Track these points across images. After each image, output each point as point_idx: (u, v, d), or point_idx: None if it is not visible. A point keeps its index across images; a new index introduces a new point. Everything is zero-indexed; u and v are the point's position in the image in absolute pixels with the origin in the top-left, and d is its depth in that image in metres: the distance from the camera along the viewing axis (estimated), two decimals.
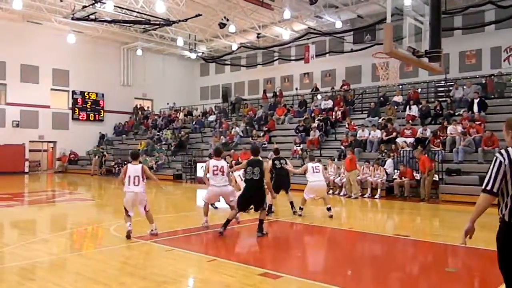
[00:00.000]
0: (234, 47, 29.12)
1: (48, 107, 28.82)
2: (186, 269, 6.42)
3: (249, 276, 6.02)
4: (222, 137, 24.03)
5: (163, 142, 27.07)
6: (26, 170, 27.51)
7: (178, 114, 30.77)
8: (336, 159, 17.43)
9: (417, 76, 22.79)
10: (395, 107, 20.23)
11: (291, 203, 11.23)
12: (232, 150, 20.95)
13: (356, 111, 22.51)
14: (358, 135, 18.59)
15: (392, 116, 19.05)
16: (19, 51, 26.85)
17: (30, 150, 28.10)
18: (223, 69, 34.06)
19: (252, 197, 8.36)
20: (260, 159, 8.71)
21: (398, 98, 20.89)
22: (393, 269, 6.75)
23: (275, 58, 29.53)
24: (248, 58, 32.01)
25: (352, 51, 25.23)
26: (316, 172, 10.66)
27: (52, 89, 29.09)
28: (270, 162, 11.07)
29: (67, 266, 6.66)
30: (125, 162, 24.38)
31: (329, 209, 10.73)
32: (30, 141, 27.87)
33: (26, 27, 26.67)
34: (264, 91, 29.49)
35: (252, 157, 8.65)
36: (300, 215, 10.87)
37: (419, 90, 21.01)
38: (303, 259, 7.51)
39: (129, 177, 8.12)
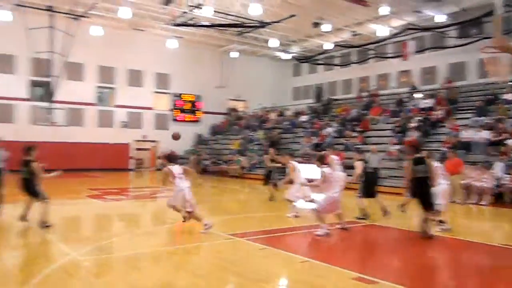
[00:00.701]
0: (328, 46, 28.72)
1: (151, 108, 30.84)
2: (279, 269, 6.40)
3: (343, 280, 5.86)
4: (313, 137, 23.82)
5: (256, 142, 27.55)
6: (131, 167, 29.67)
7: (270, 114, 31.12)
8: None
9: None
10: (506, 105, 18.49)
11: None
12: (323, 151, 20.63)
13: (460, 110, 20.96)
14: (462, 136, 17.29)
15: (503, 116, 17.42)
16: (126, 57, 29.08)
17: (135, 149, 30.27)
18: (316, 69, 33.78)
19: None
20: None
21: (509, 96, 19.06)
22: (498, 282, 6.12)
23: (371, 56, 28.58)
24: (342, 57, 31.39)
25: (455, 46, 23.56)
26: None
27: (154, 92, 31.08)
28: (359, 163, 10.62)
29: (168, 258, 7.00)
30: (219, 162, 25.40)
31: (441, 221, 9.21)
32: (135, 141, 30.03)
33: (132, 35, 28.78)
34: (359, 90, 28.68)
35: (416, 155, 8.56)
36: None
37: None
38: (400, 265, 7.13)
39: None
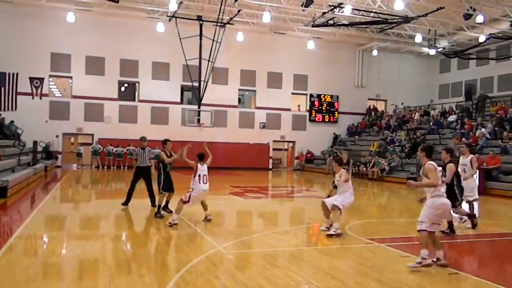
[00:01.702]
0: (482, 39, 25.97)
1: (289, 110, 31.47)
2: (423, 278, 5.91)
3: None
4: (464, 139, 21.72)
5: (397, 144, 26.19)
6: (270, 166, 30.64)
7: (413, 114, 29.32)
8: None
9: None
10: None
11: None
12: (477, 154, 18.67)
13: None
14: None
15: None
16: (266, 60, 30.16)
17: (273, 149, 31.21)
18: (467, 64, 30.82)
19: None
20: None
21: None
22: None
23: None
24: (498, 50, 28.10)
25: None
26: None
27: (292, 93, 31.64)
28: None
29: (305, 258, 6.98)
30: (357, 163, 24.71)
31: None
32: (273, 141, 30.95)
33: (272, 38, 29.74)
34: None
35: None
36: None
37: None
38: None
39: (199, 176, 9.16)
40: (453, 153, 9.44)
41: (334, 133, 32.15)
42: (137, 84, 28.55)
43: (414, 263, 6.10)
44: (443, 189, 6.35)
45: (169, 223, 8.99)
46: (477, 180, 10.39)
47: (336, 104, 32.42)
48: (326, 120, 32.32)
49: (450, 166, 8.52)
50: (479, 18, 22.93)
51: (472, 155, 10.27)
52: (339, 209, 8.21)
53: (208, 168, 9.54)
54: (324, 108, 32.24)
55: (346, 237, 8.12)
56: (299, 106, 31.98)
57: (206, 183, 9.35)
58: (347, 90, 32.34)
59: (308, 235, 9.23)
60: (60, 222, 9.58)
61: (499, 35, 25.45)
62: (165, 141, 10.50)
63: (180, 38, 23.75)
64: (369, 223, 9.98)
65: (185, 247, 7.44)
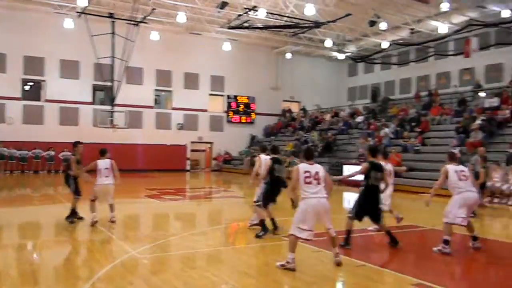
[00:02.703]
0: (385, 45, 27.95)
1: (206, 110, 31.42)
2: (334, 272, 6.25)
3: (401, 285, 5.63)
4: (370, 138, 23.22)
5: (310, 144, 27.27)
6: (187, 168, 30.36)
7: (324, 115, 30.74)
8: (503, 164, 15.44)
9: None
10: None
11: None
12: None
13: None
14: None
15: None
16: (183, 60, 29.83)
17: (190, 150, 30.97)
18: (372, 68, 32.99)
19: (375, 206, 7.52)
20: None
21: None
22: None
23: (430, 54, 27.45)
24: (399, 55, 30.41)
25: None
26: (463, 179, 7.46)
27: (210, 94, 31.63)
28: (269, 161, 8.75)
29: (223, 258, 7.04)
30: None
31: (475, 238, 7.71)
32: (191, 142, 30.71)
33: (188, 39, 29.48)
34: (417, 90, 27.70)
35: (372, 160, 7.64)
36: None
37: None
38: (462, 272, 6.75)
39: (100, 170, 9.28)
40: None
41: (251, 134, 32.67)
42: (43, 83, 26.73)
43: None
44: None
45: (91, 223, 8.94)
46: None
47: (252, 105, 32.96)
48: (243, 121, 32.73)
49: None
50: (383, 25, 24.63)
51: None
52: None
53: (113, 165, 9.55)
54: (241, 109, 32.62)
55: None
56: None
57: (107, 176, 9.33)
58: (263, 92, 33.02)
59: (226, 235, 9.32)
60: None
61: (400, 41, 27.56)
62: (75, 144, 9.95)
63: (90, 36, 22.67)
64: (286, 221, 10.28)
65: (97, 253, 7.15)
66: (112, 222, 9.38)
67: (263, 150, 9.28)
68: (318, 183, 6.19)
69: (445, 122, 21.75)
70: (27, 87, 27.06)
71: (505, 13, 21.34)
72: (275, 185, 8.55)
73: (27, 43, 25.31)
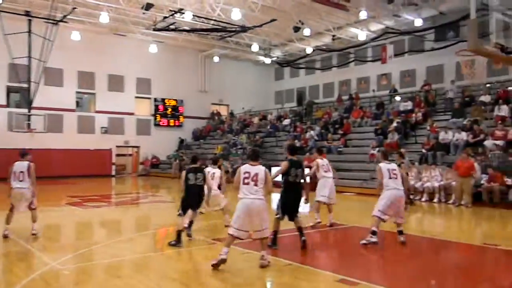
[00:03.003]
0: (309, 50, 28.93)
1: (132, 114, 30.55)
2: (262, 273, 6.40)
3: (326, 282, 5.90)
4: (296, 140, 23.91)
5: (239, 146, 27.52)
6: (113, 173, 29.30)
7: (253, 118, 31.18)
8: (417, 163, 16.64)
9: (507, 74, 21.10)
10: (482, 107, 18.88)
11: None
12: (307, 154, 20.77)
13: (439, 112, 21.33)
14: (440, 137, 17.56)
15: (479, 117, 17.77)
16: (106, 62, 28.76)
17: (116, 155, 29.92)
18: (298, 72, 33.98)
19: (297, 202, 7.88)
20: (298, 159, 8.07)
21: (485, 98, 19.46)
22: (479, 280, 6.24)
23: (351, 60, 28.88)
24: (323, 60, 31.66)
25: (433, 49, 24.00)
26: (394, 177, 7.96)
27: (136, 97, 30.80)
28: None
29: (151, 265, 6.93)
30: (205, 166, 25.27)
31: (401, 232, 8.17)
32: (116, 146, 29.68)
33: (112, 39, 28.49)
34: (339, 94, 29.01)
35: (291, 158, 7.89)
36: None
37: (510, 88, 19.41)
38: (382, 266, 7.21)
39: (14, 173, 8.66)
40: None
41: (180, 137, 32.26)
42: None
43: None
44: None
45: (3, 235, 8.31)
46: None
47: (180, 108, 32.59)
48: (171, 124, 32.24)
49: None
50: (306, 31, 25.48)
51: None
52: None
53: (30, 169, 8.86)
54: (169, 113, 32.10)
55: (192, 240, 8.29)
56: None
57: (22, 180, 8.63)
58: (191, 95, 32.76)
59: (154, 241, 9.16)
60: None
61: (323, 47, 28.69)
62: None
63: (4, 34, 21.17)
64: (214, 224, 10.31)
65: (14, 267, 6.73)
66: (33, 235, 8.74)
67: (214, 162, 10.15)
68: (256, 185, 6.38)
69: (365, 125, 22.98)
70: None
71: (417, 22, 22.96)
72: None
73: None
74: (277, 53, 32.02)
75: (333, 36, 26.31)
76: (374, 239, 7.82)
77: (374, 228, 7.87)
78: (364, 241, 7.86)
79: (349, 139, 22.13)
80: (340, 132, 22.88)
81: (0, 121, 24.99)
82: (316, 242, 8.68)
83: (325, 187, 9.85)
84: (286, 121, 28.19)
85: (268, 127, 28.47)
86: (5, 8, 22.25)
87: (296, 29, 24.94)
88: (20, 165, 8.78)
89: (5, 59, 23.00)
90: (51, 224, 11.37)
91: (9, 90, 26.02)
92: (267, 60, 32.15)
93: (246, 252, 7.28)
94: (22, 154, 9.06)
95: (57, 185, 21.64)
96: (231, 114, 33.72)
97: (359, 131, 22.72)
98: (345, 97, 27.79)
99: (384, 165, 8.11)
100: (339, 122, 24.00)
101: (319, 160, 10.11)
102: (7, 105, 25.92)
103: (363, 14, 22.51)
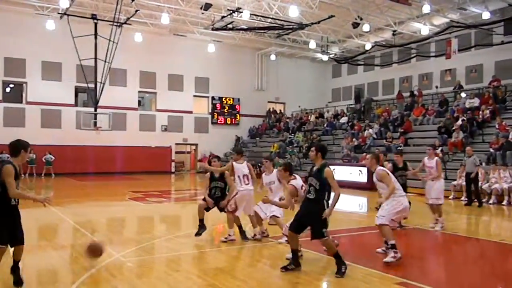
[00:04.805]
0: (368, 47, 28.24)
1: (191, 112, 31.32)
2: (318, 272, 6.30)
3: (386, 284, 5.69)
4: (354, 139, 23.44)
5: (295, 145, 27.41)
6: (172, 170, 30.20)
7: (309, 116, 30.93)
8: (484, 163, 15.73)
9: None
10: None
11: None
12: (364, 153, 20.28)
13: (508, 109, 20.05)
14: (510, 136, 16.50)
15: None
16: (167, 62, 29.67)
17: (175, 152, 30.82)
18: (356, 69, 33.28)
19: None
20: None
21: None
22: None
23: (413, 56, 27.85)
24: (382, 57, 30.77)
25: (503, 43, 22.60)
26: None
27: (194, 96, 31.54)
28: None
29: (208, 260, 7.04)
30: (259, 164, 25.38)
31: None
32: (175, 144, 30.56)
33: (172, 40, 29.34)
34: (399, 91, 28.09)
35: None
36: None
37: None
38: (444, 270, 6.86)
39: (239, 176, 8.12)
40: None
41: (236, 135, 32.65)
42: (24, 85, 26.34)
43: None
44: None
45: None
46: None
47: (237, 106, 32.97)
48: (228, 122, 32.71)
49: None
50: (366, 27, 24.89)
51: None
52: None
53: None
54: (226, 111, 32.60)
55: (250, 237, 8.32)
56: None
57: (247, 184, 8.18)
58: (248, 93, 33.05)
59: (211, 237, 9.30)
60: None
61: (383, 43, 27.88)
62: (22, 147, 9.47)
63: (73, 37, 22.40)
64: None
65: (81, 257, 7.08)
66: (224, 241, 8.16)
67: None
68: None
69: (427, 123, 22.07)
70: (8, 89, 26.61)
71: (485, 15, 21.75)
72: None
73: (8, 45, 24.89)
74: (334, 50, 31.53)
75: (394, 31, 25.49)
76: (399, 254, 6.56)
77: (393, 241, 6.60)
78: (389, 259, 6.54)
79: (410, 138, 21.35)
80: (400, 130, 22.12)
81: (69, 120, 26.54)
82: (375, 244, 8.42)
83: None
84: (344, 119, 27.70)
85: (325, 125, 28.11)
86: (74, 12, 23.55)
87: (355, 25, 24.41)
88: (242, 167, 8.31)
89: (73, 61, 24.31)
90: (115, 217, 11.90)
91: (77, 91, 27.58)
92: (325, 57, 31.75)
93: (306, 251, 7.20)
94: (239, 152, 8.65)
95: (121, 180, 22.63)
96: (281, 113, 33.56)
97: (421, 129, 21.85)
98: (405, 94, 26.86)
99: (386, 170, 7.05)
100: (399, 120, 23.23)
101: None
102: (76, 105, 27.47)
103: (426, 8, 21.64)
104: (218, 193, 8.17)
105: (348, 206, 14.37)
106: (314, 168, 6.10)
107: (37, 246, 8.22)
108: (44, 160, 24.61)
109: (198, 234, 8.08)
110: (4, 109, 25.42)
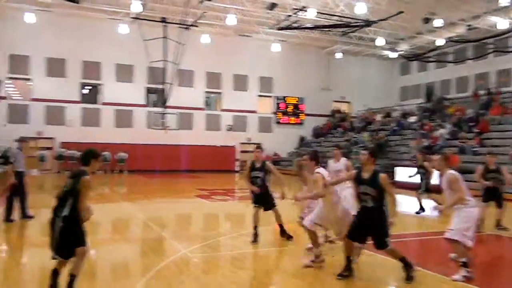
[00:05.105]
0: (440, 42, 26.91)
1: (255, 112, 31.59)
2: (389, 277, 6.06)
3: None
4: (424, 139, 22.41)
5: (360, 145, 26.72)
6: (236, 169, 30.63)
7: (376, 115, 30.03)
8: None
9: None
10: None
11: None
12: (435, 154, 19.31)
13: None
14: None
15: None
16: (232, 62, 30.16)
17: (240, 151, 31.22)
18: (426, 66, 31.86)
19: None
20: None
21: None
22: None
23: (490, 51, 26.15)
24: (455, 53, 29.19)
25: None
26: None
27: (258, 96, 31.78)
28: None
29: (271, 259, 7.02)
30: (323, 165, 25.06)
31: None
32: (240, 143, 30.97)
33: (237, 41, 29.77)
34: (475, 89, 26.46)
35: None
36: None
37: None
38: None
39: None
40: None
41: (300, 135, 32.47)
42: (100, 87, 27.94)
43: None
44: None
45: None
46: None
47: (301, 106, 32.78)
48: (292, 122, 32.62)
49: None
50: (437, 22, 23.73)
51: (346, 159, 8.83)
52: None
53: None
54: (289, 110, 32.53)
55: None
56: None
57: None
58: (312, 92, 32.75)
59: (274, 236, 9.27)
60: (20, 229, 9.23)
61: (456, 38, 26.42)
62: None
63: (143, 40, 23.42)
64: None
65: (150, 252, 7.34)
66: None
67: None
68: None
69: (506, 122, 20.62)
70: (85, 91, 28.35)
71: None
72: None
73: (85, 49, 26.51)
74: (403, 47, 30.40)
75: (469, 26, 24.11)
76: (471, 274, 5.79)
77: (465, 259, 5.87)
78: (458, 277, 5.76)
79: (486, 138, 20.05)
80: (476, 130, 20.84)
81: (140, 120, 27.79)
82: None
83: None
84: (413, 118, 26.61)
85: (393, 124, 27.16)
86: (145, 16, 24.58)
87: (426, 21, 23.38)
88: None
89: (144, 63, 25.43)
90: (182, 214, 12.25)
91: (148, 91, 28.79)
92: (393, 55, 30.72)
93: (371, 255, 6.96)
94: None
95: (187, 178, 23.29)
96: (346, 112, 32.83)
97: (499, 130, 20.45)
98: (482, 92, 25.26)
99: (458, 174, 6.06)
100: (474, 120, 21.90)
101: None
102: (146, 105, 28.69)
103: (504, 1, 20.25)
104: (260, 182, 7.98)
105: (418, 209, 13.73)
106: (365, 175, 5.64)
107: (111, 239, 8.64)
108: (117, 158, 25.96)
109: (254, 241, 7.78)
110: (82, 110, 27.11)
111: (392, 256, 5.80)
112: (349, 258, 5.84)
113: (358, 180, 5.71)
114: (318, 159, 6.31)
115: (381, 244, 5.64)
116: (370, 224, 5.63)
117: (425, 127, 24.00)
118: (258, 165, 8.10)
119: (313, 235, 6.39)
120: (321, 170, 6.34)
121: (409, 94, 33.43)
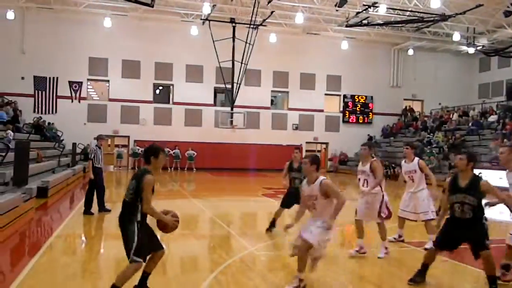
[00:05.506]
0: None
1: (321, 111, 31.21)
2: (461, 283, 5.70)
3: None
4: (505, 140, 20.92)
5: (434, 145, 25.50)
6: None
7: (451, 115, 28.50)
8: None
9: None
10: None
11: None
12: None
13: None
14: None
15: None
16: (299, 61, 30.00)
17: (306, 151, 30.97)
18: (508, 62, 29.70)
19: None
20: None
21: None
22: None
23: None
24: None
25: None
26: None
27: (325, 94, 31.36)
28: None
29: (340, 260, 6.86)
30: (393, 165, 24.21)
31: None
32: (306, 142, 30.74)
33: (305, 39, 29.57)
34: None
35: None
36: None
37: None
38: None
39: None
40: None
41: (368, 135, 31.59)
42: (171, 87, 29.02)
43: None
44: None
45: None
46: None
47: (370, 104, 31.90)
48: (360, 121, 31.85)
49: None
50: None
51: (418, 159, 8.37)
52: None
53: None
54: (358, 109, 31.78)
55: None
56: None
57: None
58: (382, 91, 31.77)
59: (341, 237, 9.09)
60: (98, 222, 9.80)
61: None
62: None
63: (213, 41, 23.99)
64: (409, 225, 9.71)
65: (218, 248, 7.48)
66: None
67: None
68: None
69: None
70: (157, 91, 29.58)
71: None
72: None
73: (158, 51, 27.65)
74: (482, 42, 28.62)
75: None
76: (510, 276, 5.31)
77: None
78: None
79: None
80: None
81: (208, 119, 28.49)
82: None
83: None
84: (493, 118, 24.94)
85: (470, 124, 25.63)
86: (214, 17, 25.15)
87: (508, 14, 21.82)
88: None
89: (213, 64, 26.03)
90: (249, 212, 12.39)
91: (216, 91, 29.45)
92: (470, 50, 29.02)
93: (444, 260, 6.61)
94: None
95: (253, 177, 23.52)
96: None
97: None
98: None
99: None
100: None
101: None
102: (214, 104, 29.35)
103: None
104: (298, 182, 7.99)
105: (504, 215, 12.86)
106: (462, 182, 5.08)
107: (181, 235, 8.90)
108: (187, 155, 26.84)
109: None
110: (154, 109, 28.30)
111: (487, 265, 5.02)
112: (427, 265, 5.42)
113: (454, 189, 5.12)
114: (319, 164, 5.59)
115: (480, 247, 4.93)
116: (468, 236, 5.03)
117: (506, 126, 22.41)
118: (296, 165, 8.59)
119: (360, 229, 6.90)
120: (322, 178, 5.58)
121: (489, 91, 31.35)
